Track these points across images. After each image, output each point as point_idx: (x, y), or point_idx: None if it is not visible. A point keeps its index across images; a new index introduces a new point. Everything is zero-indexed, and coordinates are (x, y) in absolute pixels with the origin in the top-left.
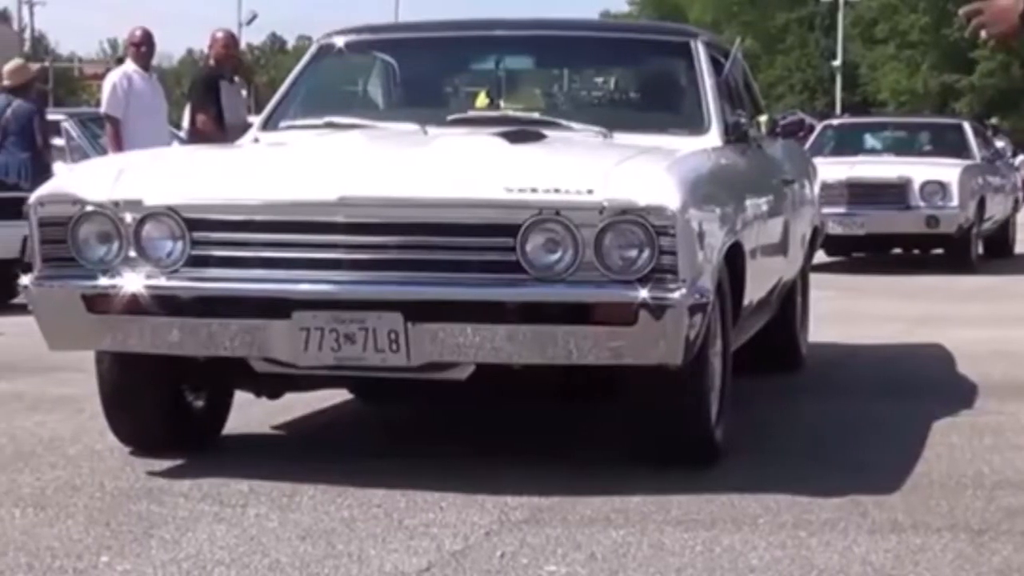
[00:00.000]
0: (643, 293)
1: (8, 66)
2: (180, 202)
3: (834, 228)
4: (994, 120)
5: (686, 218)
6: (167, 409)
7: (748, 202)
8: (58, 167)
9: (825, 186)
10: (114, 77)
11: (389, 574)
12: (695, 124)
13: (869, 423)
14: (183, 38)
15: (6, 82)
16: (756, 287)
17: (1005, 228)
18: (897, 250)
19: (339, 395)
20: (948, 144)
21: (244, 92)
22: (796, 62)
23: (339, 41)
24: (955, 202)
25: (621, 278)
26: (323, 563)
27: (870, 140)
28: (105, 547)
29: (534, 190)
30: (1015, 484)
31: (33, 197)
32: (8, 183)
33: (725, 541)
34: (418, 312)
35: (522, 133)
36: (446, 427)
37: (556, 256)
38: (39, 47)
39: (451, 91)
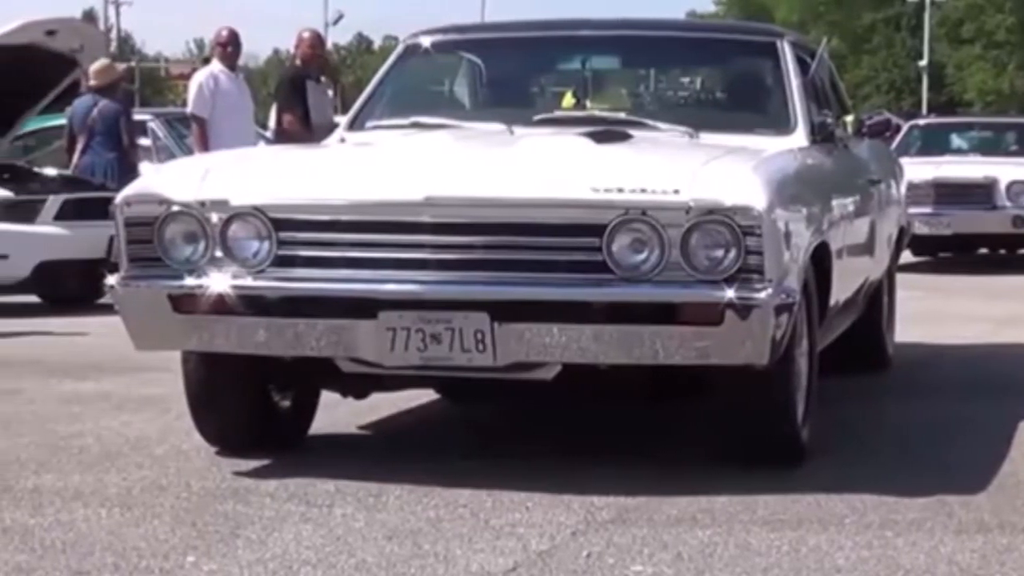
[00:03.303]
0: (729, 293)
1: (94, 66)
2: (266, 202)
3: (920, 228)
4: None
5: (772, 218)
6: (253, 409)
7: (834, 202)
8: (144, 167)
9: (911, 186)
10: (200, 77)
11: (475, 574)
12: (781, 124)
13: (955, 423)
14: (269, 38)
15: (92, 82)
16: (842, 287)
17: None
18: (983, 250)
19: (425, 395)
20: None
21: (330, 92)
22: (882, 62)
23: (425, 41)
24: None
25: (707, 278)
26: (409, 563)
27: (956, 140)
28: (191, 547)
29: (620, 190)
30: None
31: (119, 197)
32: (94, 183)
33: (811, 541)
34: (504, 312)
35: (608, 133)
36: (532, 427)
37: (642, 256)
38: (125, 47)
39: (537, 91)
